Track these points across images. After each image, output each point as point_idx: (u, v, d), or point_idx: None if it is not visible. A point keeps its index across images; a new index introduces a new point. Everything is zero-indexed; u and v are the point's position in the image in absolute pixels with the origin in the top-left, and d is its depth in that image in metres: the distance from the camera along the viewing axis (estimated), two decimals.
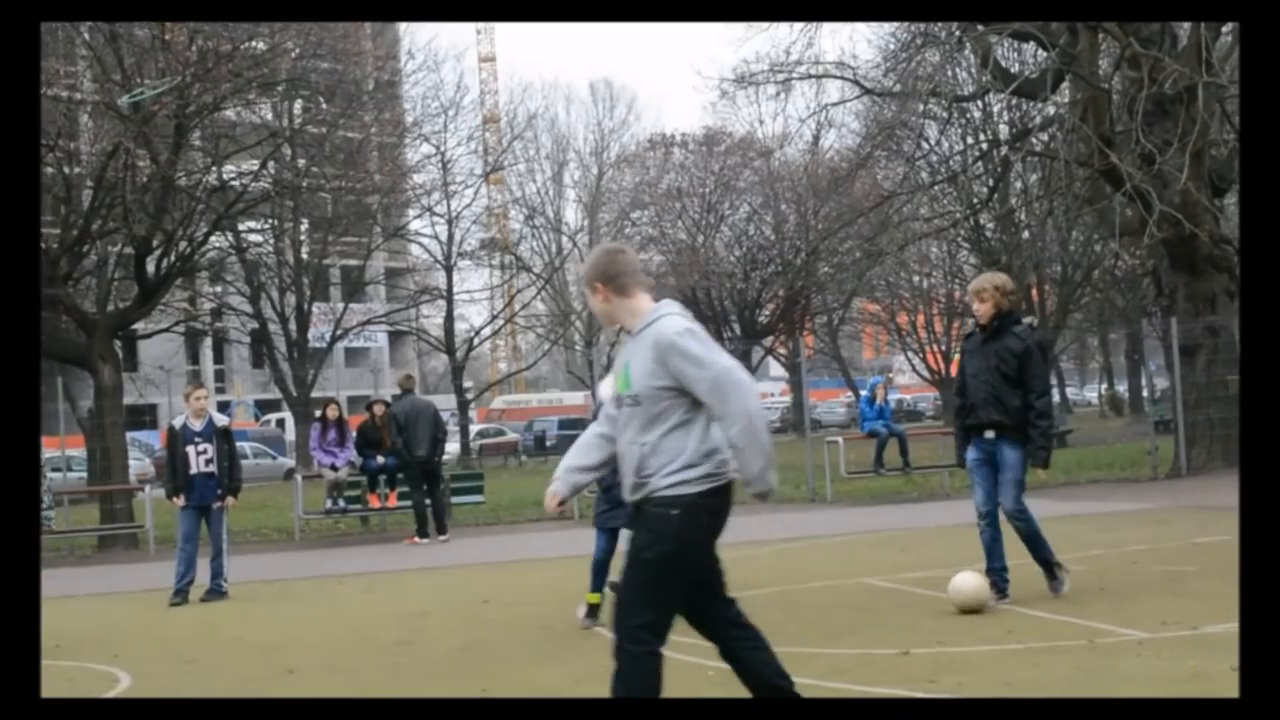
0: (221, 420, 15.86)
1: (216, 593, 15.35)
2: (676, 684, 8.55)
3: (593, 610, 11.12)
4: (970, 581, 10.64)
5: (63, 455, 31.40)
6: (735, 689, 8.28)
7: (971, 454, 11.07)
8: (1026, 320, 11.37)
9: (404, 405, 21.87)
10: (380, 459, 22.07)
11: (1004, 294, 10.93)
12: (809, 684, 8.22)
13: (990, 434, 10.85)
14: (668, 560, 6.23)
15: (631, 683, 6.40)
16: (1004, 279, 11.23)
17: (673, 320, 6.22)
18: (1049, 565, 11.14)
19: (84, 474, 28.68)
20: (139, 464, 40.21)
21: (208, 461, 15.38)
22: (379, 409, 22.48)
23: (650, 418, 6.22)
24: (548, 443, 54.41)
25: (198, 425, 15.48)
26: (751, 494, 6.28)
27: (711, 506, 6.24)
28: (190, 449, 15.37)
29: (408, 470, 21.62)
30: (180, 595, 15.24)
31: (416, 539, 21.14)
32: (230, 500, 15.74)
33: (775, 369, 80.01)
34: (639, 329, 6.32)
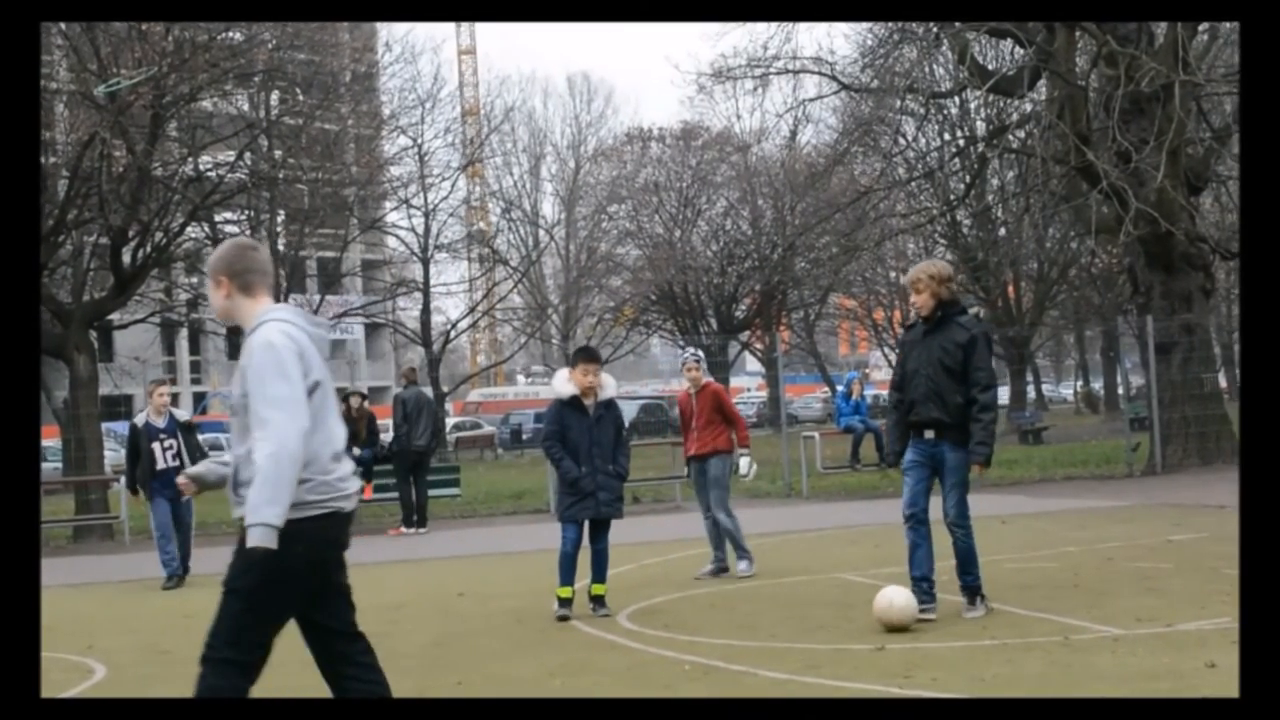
0: (182, 415, 16.50)
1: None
2: (653, 679, 8.58)
3: (565, 604, 11.12)
4: (896, 599, 9.80)
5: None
6: (711, 685, 8.30)
7: (910, 454, 10.20)
8: (973, 310, 10.83)
9: (409, 395, 21.95)
10: (356, 451, 22.03)
11: (940, 282, 10.12)
12: (783, 679, 8.25)
13: (930, 434, 10.04)
14: (256, 593, 5.83)
15: (212, 691, 6.02)
16: (940, 267, 10.42)
17: (268, 328, 5.79)
18: (974, 591, 10.16)
19: (59, 465, 28.62)
20: (114, 455, 40.03)
21: (174, 456, 15.81)
22: (355, 401, 22.47)
23: (243, 427, 5.81)
24: (524, 436, 54.40)
25: (161, 422, 15.99)
26: (245, 525, 5.75)
27: (313, 534, 5.81)
28: (156, 445, 15.84)
29: (399, 460, 21.66)
30: (173, 580, 15.75)
31: (403, 529, 21.17)
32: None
33: (752, 364, 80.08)
34: (248, 332, 5.92)
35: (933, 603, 9.99)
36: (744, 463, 13.91)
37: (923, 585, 10.04)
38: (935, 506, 10.12)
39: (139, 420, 16.16)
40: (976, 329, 10.07)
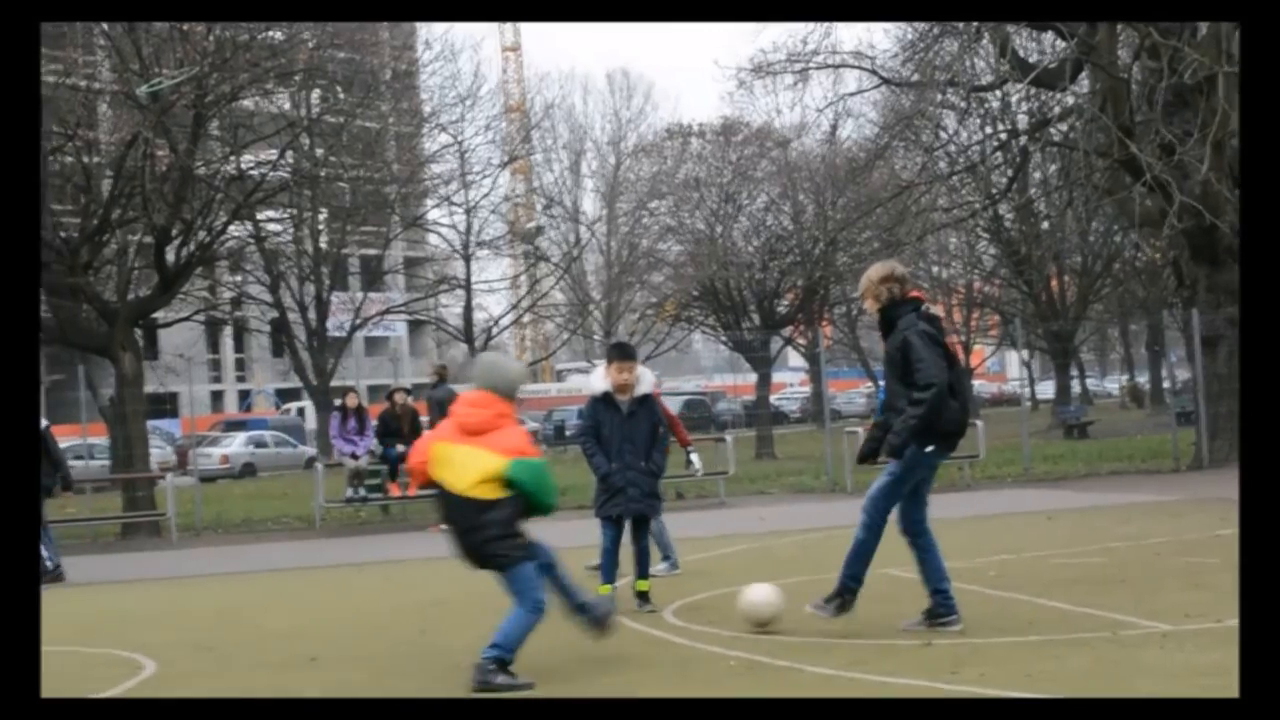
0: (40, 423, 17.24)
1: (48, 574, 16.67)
2: (698, 675, 8.57)
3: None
4: (755, 595, 9.95)
5: (85, 443, 31.60)
6: (757, 681, 8.29)
7: None
8: (924, 307, 9.73)
9: (440, 394, 21.96)
10: (400, 447, 22.09)
11: (880, 283, 9.61)
12: (830, 674, 8.24)
13: None
14: None
15: None
16: (879, 268, 9.81)
17: None
18: (844, 591, 9.74)
19: (107, 462, 28.83)
20: (160, 452, 40.29)
21: None
22: (400, 397, 22.53)
23: None
24: (567, 432, 54.39)
25: None
26: None
27: None
28: None
29: None
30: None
31: (442, 526, 21.17)
32: (63, 492, 18.48)
33: (795, 359, 79.95)
34: None
35: (952, 615, 9.63)
36: (694, 459, 14.46)
37: (937, 598, 9.71)
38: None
39: None
40: (909, 328, 9.42)
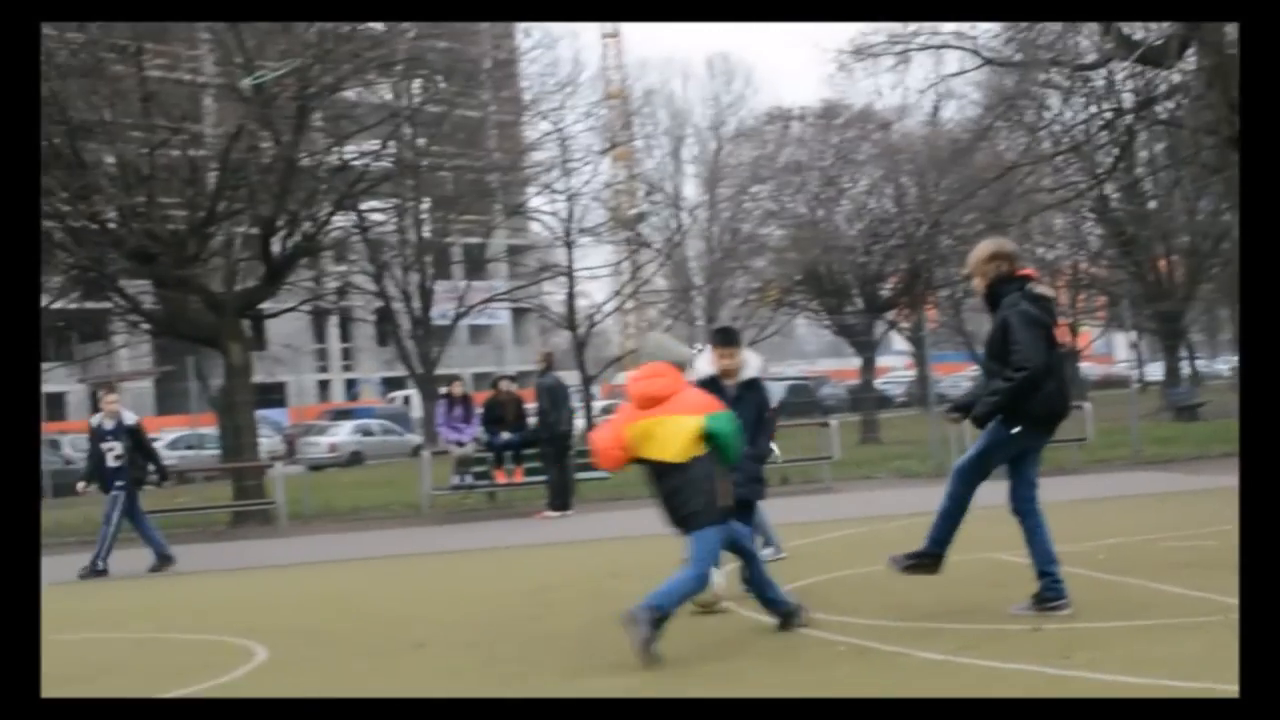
0: (130, 419, 17.62)
1: (93, 571, 17.00)
2: (805, 660, 8.55)
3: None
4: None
5: (195, 433, 32.07)
6: (866, 666, 8.27)
7: None
8: (1039, 289, 9.48)
9: (548, 381, 22.07)
10: (506, 434, 22.22)
11: (988, 260, 9.48)
12: (939, 659, 8.19)
13: None
14: None
15: None
16: (987, 245, 9.75)
17: None
18: (925, 554, 9.92)
19: (217, 451, 29.26)
20: (269, 441, 40.81)
21: (116, 457, 17.21)
22: (505, 385, 22.67)
23: None
24: None
25: (109, 425, 17.33)
26: None
27: None
28: (103, 445, 17.25)
29: (546, 445, 21.77)
30: (91, 573, 17.03)
31: (548, 513, 21.28)
32: (162, 483, 18.68)
33: (899, 343, 79.56)
34: None
35: (1061, 599, 9.49)
36: (772, 446, 14.41)
37: (1045, 581, 9.57)
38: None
39: (94, 421, 17.55)
40: (1011, 308, 9.23)
